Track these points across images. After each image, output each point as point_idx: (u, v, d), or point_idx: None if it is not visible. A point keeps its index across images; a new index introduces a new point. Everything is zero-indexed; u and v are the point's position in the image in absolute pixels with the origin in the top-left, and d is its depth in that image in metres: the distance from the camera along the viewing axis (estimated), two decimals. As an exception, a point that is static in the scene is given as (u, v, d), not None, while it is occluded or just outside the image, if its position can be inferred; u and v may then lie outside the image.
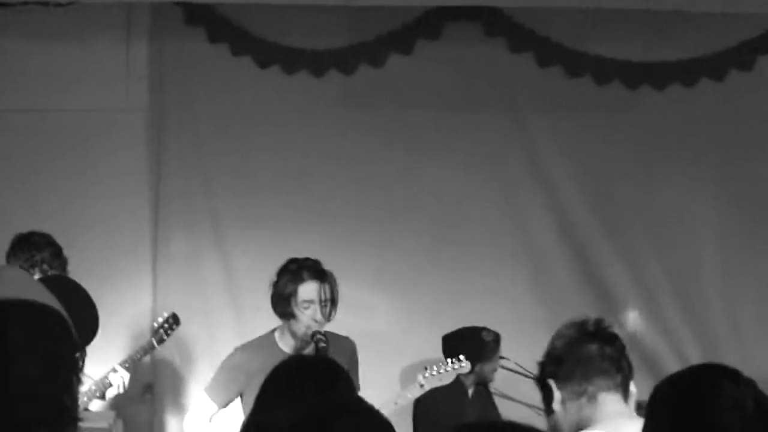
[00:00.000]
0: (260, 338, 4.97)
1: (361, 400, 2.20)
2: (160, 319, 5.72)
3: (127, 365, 5.41)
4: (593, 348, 3.02)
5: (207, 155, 6.73)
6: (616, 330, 3.16)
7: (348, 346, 4.95)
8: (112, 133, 6.65)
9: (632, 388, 3.05)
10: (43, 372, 1.78)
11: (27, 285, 1.90)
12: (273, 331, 4.95)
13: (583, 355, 3.01)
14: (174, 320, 5.71)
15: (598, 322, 3.10)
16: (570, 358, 3.02)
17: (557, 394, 3.02)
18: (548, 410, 3.07)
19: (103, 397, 5.37)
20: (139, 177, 6.67)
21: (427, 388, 5.08)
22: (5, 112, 6.55)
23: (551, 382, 3.04)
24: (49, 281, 1.96)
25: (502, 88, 6.90)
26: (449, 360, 5.18)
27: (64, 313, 1.88)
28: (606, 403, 2.98)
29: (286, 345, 4.86)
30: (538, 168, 6.92)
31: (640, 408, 2.81)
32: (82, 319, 1.92)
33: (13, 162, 6.57)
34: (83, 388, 5.22)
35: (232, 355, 4.95)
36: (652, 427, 2.35)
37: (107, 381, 5.34)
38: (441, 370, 5.13)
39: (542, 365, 3.10)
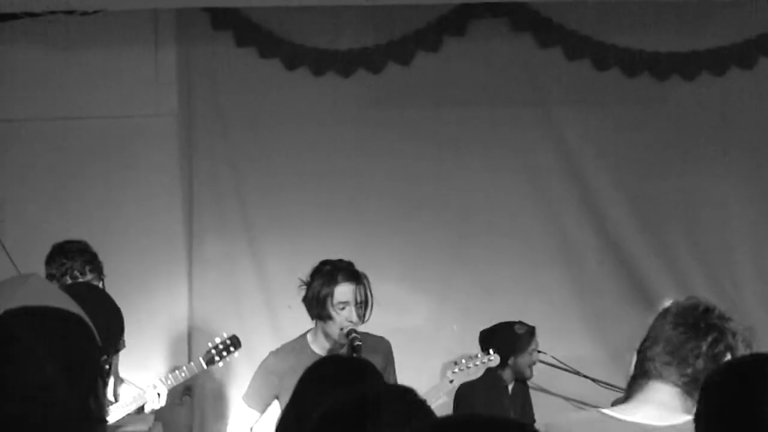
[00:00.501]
0: (293, 341, 4.99)
1: (405, 388, 2.22)
2: (218, 340, 5.44)
3: (168, 381, 5.33)
4: (678, 335, 2.87)
5: (237, 158, 6.77)
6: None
7: (383, 345, 4.96)
8: (143, 139, 6.69)
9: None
10: (65, 376, 1.81)
11: (48, 292, 1.93)
12: (306, 333, 4.96)
13: (664, 337, 2.88)
14: (232, 342, 5.43)
15: (705, 311, 2.93)
16: (655, 336, 2.89)
17: (631, 367, 2.94)
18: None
19: (142, 410, 5.37)
20: (172, 181, 6.71)
21: (456, 383, 5.07)
22: (37, 121, 6.62)
23: (634, 354, 2.95)
24: (71, 288, 1.99)
25: (530, 83, 6.88)
26: (478, 354, 5.17)
27: (85, 317, 1.91)
28: (652, 391, 2.87)
29: (319, 347, 4.87)
30: (568, 162, 6.90)
31: None
32: (106, 323, 1.95)
33: (46, 170, 6.63)
34: (124, 398, 5.25)
35: (266, 359, 4.97)
36: (703, 412, 2.32)
37: (145, 396, 5.32)
38: (470, 365, 5.12)
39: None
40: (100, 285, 5.31)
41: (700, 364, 2.81)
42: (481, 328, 6.15)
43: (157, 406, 5.35)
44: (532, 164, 6.90)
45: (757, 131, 6.95)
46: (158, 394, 5.32)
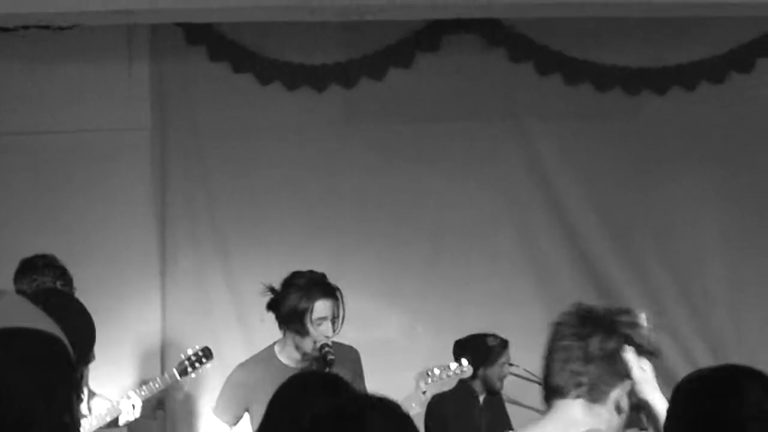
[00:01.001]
0: (260, 353, 4.98)
1: (385, 398, 2.23)
2: (190, 351, 5.44)
3: (142, 393, 5.32)
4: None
5: (210, 172, 6.77)
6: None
7: (352, 354, 4.96)
8: (117, 153, 6.68)
9: None
10: (40, 397, 1.81)
11: (20, 311, 1.92)
12: (273, 344, 4.95)
13: None
14: (204, 354, 5.43)
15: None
16: None
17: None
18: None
19: (116, 423, 5.35)
20: (145, 195, 6.71)
21: (429, 394, 5.07)
22: (9, 134, 6.60)
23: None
24: (42, 295, 1.98)
25: (502, 98, 6.93)
26: (449, 365, 5.18)
27: (59, 334, 1.90)
28: None
29: (287, 358, 4.86)
30: (540, 176, 6.95)
31: None
32: (79, 336, 1.94)
33: (18, 184, 6.61)
34: (97, 411, 5.23)
35: (233, 372, 4.95)
36: (672, 423, 2.33)
37: (119, 408, 5.30)
38: (443, 376, 5.13)
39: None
40: None
41: (592, 369, 2.66)
42: (451, 341, 6.17)
43: (131, 418, 5.33)
44: (504, 177, 6.94)
45: (727, 145, 7.02)
46: (133, 406, 5.29)
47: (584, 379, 2.66)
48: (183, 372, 5.41)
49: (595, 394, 2.65)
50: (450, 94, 6.87)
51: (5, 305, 1.94)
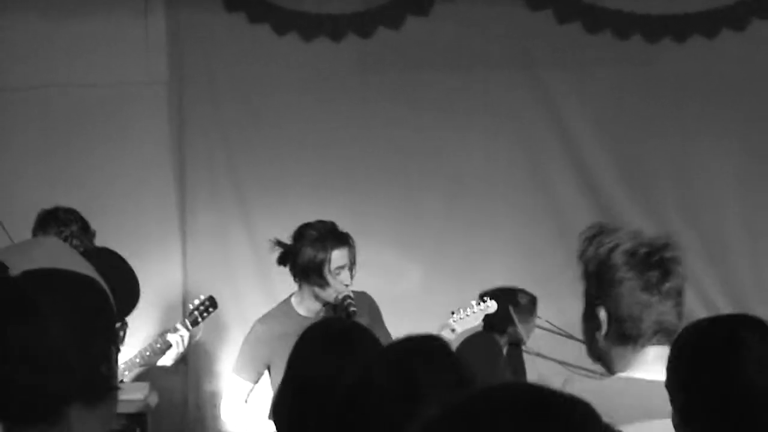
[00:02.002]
0: (277, 307, 4.97)
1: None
2: (197, 301, 5.61)
3: (185, 326, 5.40)
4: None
5: (228, 125, 6.75)
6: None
7: (366, 300, 4.95)
8: (134, 107, 6.67)
9: None
10: (77, 342, 1.80)
11: (62, 255, 1.91)
12: (289, 297, 4.95)
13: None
14: (210, 303, 5.60)
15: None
16: None
17: None
18: None
19: (162, 353, 5.39)
20: (163, 149, 6.70)
21: (459, 330, 5.09)
22: (26, 89, 6.58)
23: None
24: (90, 254, 1.97)
25: (521, 47, 6.87)
26: (473, 303, 5.18)
27: (101, 282, 1.89)
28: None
29: (306, 310, 4.86)
30: (559, 125, 6.90)
31: None
32: (122, 290, 1.94)
33: (35, 138, 6.61)
34: (128, 355, 5.26)
35: (252, 329, 4.94)
36: (672, 376, 2.31)
37: (166, 341, 5.36)
38: (468, 312, 5.14)
39: None
40: None
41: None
42: (472, 293, 6.14)
43: (182, 349, 5.38)
44: (523, 127, 6.90)
45: (748, 93, 6.95)
46: (181, 337, 5.35)
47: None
48: (194, 322, 5.52)
49: None
50: (468, 43, 6.81)
51: (49, 248, 1.93)
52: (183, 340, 5.38)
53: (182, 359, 6.33)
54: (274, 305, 5.12)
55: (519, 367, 6.21)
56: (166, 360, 5.44)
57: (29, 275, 1.82)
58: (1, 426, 1.77)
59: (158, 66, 6.68)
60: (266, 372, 4.91)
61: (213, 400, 6.38)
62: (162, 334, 5.43)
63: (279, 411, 2.75)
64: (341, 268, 4.79)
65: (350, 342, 2.76)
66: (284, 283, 5.05)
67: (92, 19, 6.61)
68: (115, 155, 6.62)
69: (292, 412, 2.67)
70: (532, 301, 6.11)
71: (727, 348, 2.23)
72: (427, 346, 2.24)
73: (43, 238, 5.06)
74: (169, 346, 5.36)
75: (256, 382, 4.92)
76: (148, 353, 5.36)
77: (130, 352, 5.30)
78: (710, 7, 6.84)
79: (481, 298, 5.50)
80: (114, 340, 1.90)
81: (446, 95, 6.84)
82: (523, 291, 6.09)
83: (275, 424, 2.80)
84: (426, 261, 6.79)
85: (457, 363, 2.22)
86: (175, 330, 5.39)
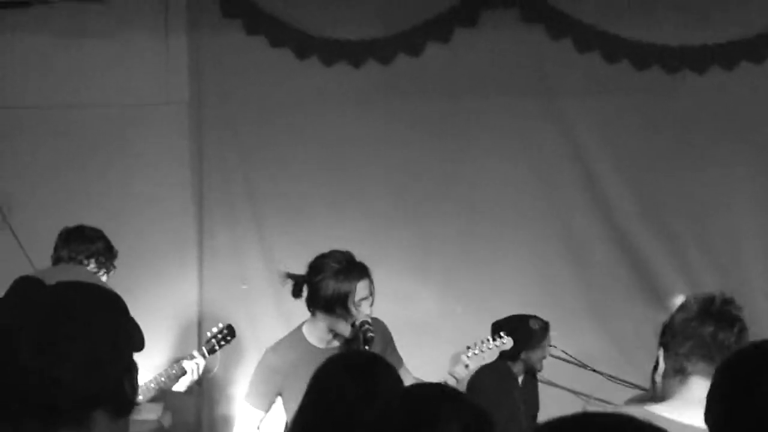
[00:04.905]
0: (289, 336, 4.95)
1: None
2: (215, 329, 5.65)
3: (202, 354, 5.44)
4: (707, 329, 2.90)
5: (247, 147, 6.78)
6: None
7: (379, 326, 4.94)
8: (153, 127, 6.71)
9: None
10: (109, 349, 1.85)
11: (90, 278, 1.99)
12: (300, 326, 4.93)
13: (694, 333, 2.90)
14: (229, 332, 5.64)
15: (724, 303, 2.97)
16: (682, 333, 2.91)
17: (661, 365, 2.94)
18: (652, 379, 3.00)
19: (176, 379, 5.41)
20: (182, 170, 6.73)
21: (472, 367, 5.06)
22: (48, 109, 6.63)
23: (660, 352, 2.95)
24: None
25: (540, 75, 6.88)
26: (489, 338, 5.17)
27: (124, 302, 1.97)
28: (696, 389, 2.87)
29: (317, 339, 4.84)
30: (577, 154, 6.91)
31: None
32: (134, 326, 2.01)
33: (54, 157, 6.64)
34: (143, 380, 5.29)
35: (264, 357, 4.91)
36: (710, 403, 2.33)
37: (182, 367, 5.39)
38: (484, 348, 5.12)
39: (661, 333, 3.00)
40: (111, 271, 5.39)
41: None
42: (485, 320, 6.13)
43: (196, 377, 5.41)
44: (540, 156, 6.90)
45: (766, 125, 6.94)
46: (197, 365, 5.38)
47: None
48: (211, 350, 5.57)
49: None
50: (487, 71, 6.83)
51: (78, 272, 1.99)
52: (198, 368, 5.41)
53: (195, 382, 6.35)
54: (288, 329, 5.11)
55: (533, 396, 6.19)
56: (180, 386, 5.46)
57: (66, 284, 1.89)
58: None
59: (178, 87, 6.72)
60: (278, 399, 4.90)
61: (226, 422, 6.38)
62: (178, 361, 5.45)
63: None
64: (364, 299, 4.77)
65: (373, 375, 2.77)
66: (299, 307, 5.05)
67: (113, 40, 6.66)
68: (133, 175, 6.65)
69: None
70: (545, 327, 6.10)
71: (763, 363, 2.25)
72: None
73: (71, 265, 5.11)
74: (184, 372, 5.38)
75: (268, 410, 4.90)
76: (163, 379, 5.38)
77: (145, 376, 5.32)
78: (729, 39, 6.84)
79: (497, 332, 5.48)
80: (134, 360, 1.95)
81: (464, 122, 6.85)
82: (535, 317, 6.08)
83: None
84: (440, 287, 6.79)
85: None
86: (192, 357, 5.42)
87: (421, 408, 2.15)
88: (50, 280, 1.94)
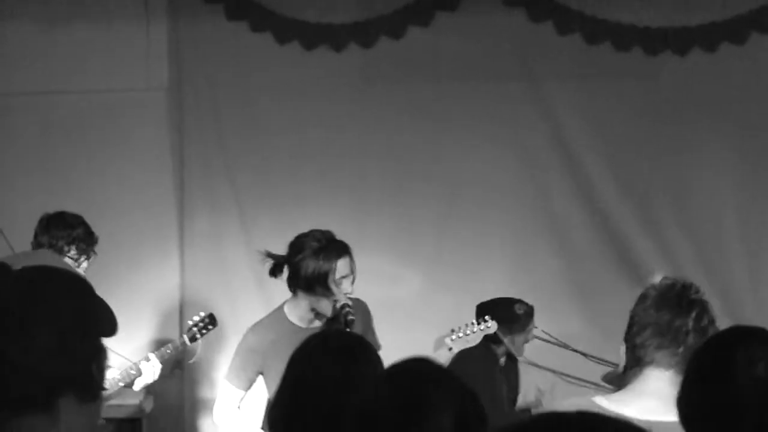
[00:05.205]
0: (270, 315, 4.94)
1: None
2: (196, 318, 5.69)
3: (160, 355, 5.45)
4: (664, 317, 2.83)
5: (228, 133, 6.77)
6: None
7: (360, 306, 4.94)
8: (134, 113, 6.70)
9: None
10: (76, 332, 1.84)
11: (59, 263, 1.99)
12: (282, 306, 4.93)
13: (650, 321, 2.83)
14: (210, 320, 5.70)
15: (683, 288, 2.88)
16: (639, 322, 2.85)
17: (622, 358, 2.90)
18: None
19: (131, 385, 5.41)
20: (163, 156, 6.72)
21: (455, 350, 5.06)
22: (25, 94, 6.62)
23: (622, 345, 2.89)
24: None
25: (521, 58, 6.88)
26: (474, 322, 5.16)
27: (90, 285, 1.96)
28: (651, 380, 2.84)
29: (298, 319, 4.83)
30: (558, 137, 6.91)
31: None
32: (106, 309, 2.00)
33: (35, 143, 6.63)
34: (111, 374, 5.27)
35: (244, 337, 4.91)
36: (683, 390, 2.34)
37: (138, 369, 5.37)
38: (468, 332, 5.12)
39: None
40: (92, 257, 5.39)
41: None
42: (468, 301, 6.14)
43: (150, 380, 5.40)
44: (522, 139, 6.91)
45: (748, 106, 6.95)
46: (152, 368, 5.37)
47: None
48: (192, 338, 5.64)
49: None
50: (468, 54, 6.83)
51: (47, 257, 1.99)
52: (154, 372, 5.41)
53: (177, 366, 6.35)
54: (270, 310, 5.11)
55: (515, 379, 6.19)
56: (136, 386, 5.44)
57: (30, 269, 1.88)
58: None
59: (159, 73, 6.71)
60: (259, 378, 4.90)
61: (209, 405, 6.37)
62: (135, 364, 5.42)
63: (276, 415, 2.75)
64: (344, 277, 4.77)
65: (353, 354, 2.76)
66: (281, 290, 5.05)
67: (94, 27, 6.64)
68: (114, 161, 6.64)
69: (290, 416, 2.68)
70: (529, 312, 6.08)
71: (725, 350, 2.28)
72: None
73: (41, 251, 5.10)
74: (141, 374, 5.37)
75: (248, 389, 4.90)
76: (118, 378, 5.34)
77: (112, 372, 5.31)
78: (710, 20, 6.85)
79: (482, 315, 5.47)
80: (102, 344, 1.94)
81: (446, 105, 6.85)
82: (520, 301, 6.06)
83: (270, 429, 2.80)
84: (423, 269, 6.80)
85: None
86: (147, 360, 5.41)
87: (410, 394, 2.12)
88: (17, 266, 1.93)
